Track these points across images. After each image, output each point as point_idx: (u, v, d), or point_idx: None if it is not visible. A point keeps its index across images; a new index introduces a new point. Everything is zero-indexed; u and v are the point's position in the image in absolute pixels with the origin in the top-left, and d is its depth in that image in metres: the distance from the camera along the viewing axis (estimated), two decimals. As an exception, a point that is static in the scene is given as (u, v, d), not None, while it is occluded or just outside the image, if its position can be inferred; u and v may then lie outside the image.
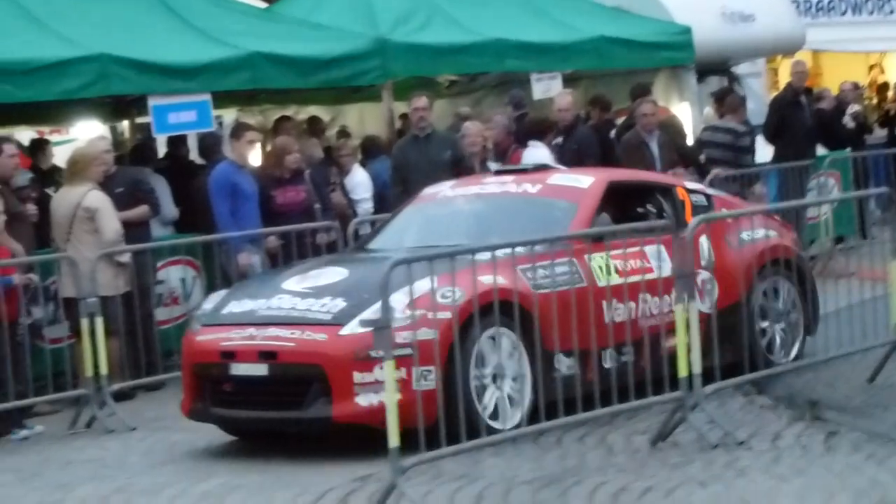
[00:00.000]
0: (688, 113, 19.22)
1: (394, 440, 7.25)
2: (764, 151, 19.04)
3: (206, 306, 10.33)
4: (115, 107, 16.75)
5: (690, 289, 8.99)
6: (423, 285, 8.15)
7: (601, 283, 9.61)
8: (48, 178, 15.25)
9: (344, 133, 18.74)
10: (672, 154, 15.50)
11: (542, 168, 11.61)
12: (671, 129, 16.83)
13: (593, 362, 9.34)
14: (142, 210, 13.29)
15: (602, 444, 9.09)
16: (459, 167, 13.96)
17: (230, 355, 9.19)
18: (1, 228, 10.90)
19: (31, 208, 12.73)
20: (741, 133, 17.44)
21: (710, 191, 11.41)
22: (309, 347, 8.79)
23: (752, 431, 9.01)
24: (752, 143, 18.01)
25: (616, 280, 9.61)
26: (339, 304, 9.06)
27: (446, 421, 7.80)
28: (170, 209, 14.70)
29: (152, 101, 13.95)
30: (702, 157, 17.46)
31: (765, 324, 10.56)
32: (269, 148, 16.08)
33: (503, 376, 8.95)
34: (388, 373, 7.46)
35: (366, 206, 15.56)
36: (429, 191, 11.61)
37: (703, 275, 10.09)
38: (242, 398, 9.31)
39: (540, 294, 9.06)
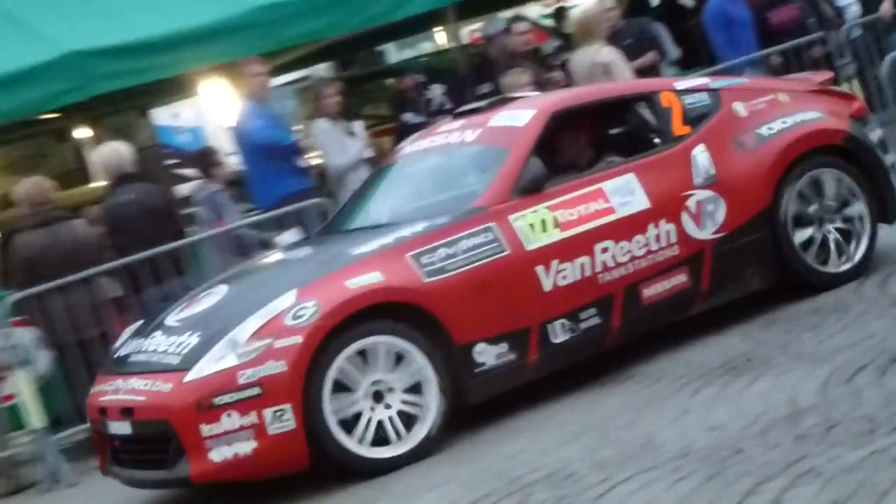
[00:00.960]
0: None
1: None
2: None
3: (115, 345, 8.99)
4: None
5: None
6: (281, 303, 7.37)
7: (531, 245, 7.96)
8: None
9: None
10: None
11: (499, 101, 9.41)
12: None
13: (537, 340, 7.90)
14: (650, 56, 13.73)
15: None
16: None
17: (104, 411, 8.11)
18: None
19: (558, 74, 13.67)
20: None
21: (718, 83, 9.26)
22: (156, 401, 7.58)
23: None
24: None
25: (555, 236, 8.02)
26: (192, 341, 7.75)
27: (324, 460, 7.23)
28: (673, 51, 15.11)
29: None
30: None
31: (807, 232, 8.54)
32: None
33: (392, 391, 7.42)
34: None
35: (854, 10, 15.27)
36: (398, 147, 10.17)
37: (699, 195, 8.37)
38: (124, 456, 8.18)
39: (436, 281, 7.72)
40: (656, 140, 8.61)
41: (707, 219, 8.29)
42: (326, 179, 11.99)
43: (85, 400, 8.90)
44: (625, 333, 8.18)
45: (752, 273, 8.44)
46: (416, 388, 7.40)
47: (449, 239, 7.75)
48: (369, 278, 7.49)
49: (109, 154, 10.30)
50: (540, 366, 7.89)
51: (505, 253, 7.79)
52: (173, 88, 13.75)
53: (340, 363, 7.15)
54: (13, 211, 11.30)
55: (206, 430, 7.05)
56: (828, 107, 8.98)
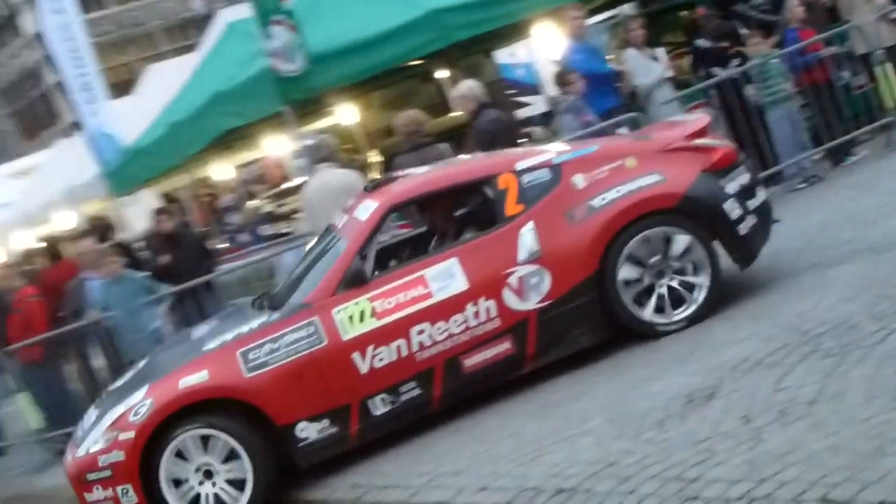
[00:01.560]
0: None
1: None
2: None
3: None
4: None
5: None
6: (133, 399, 7.30)
7: (347, 335, 7.44)
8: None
9: None
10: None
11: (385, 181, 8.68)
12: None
13: (357, 415, 7.47)
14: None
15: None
16: None
17: None
18: None
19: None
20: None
21: (562, 157, 7.99)
22: (67, 470, 7.66)
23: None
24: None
25: (371, 325, 7.45)
26: (92, 418, 7.77)
27: None
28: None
29: None
30: None
31: (641, 287, 7.52)
32: None
33: (218, 472, 7.19)
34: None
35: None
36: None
37: (521, 270, 7.56)
38: None
39: (256, 375, 7.37)
40: (491, 221, 7.76)
41: (531, 291, 7.49)
42: (636, 97, 12.15)
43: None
44: (449, 399, 7.56)
45: (580, 333, 7.59)
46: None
47: (275, 335, 7.41)
48: (196, 378, 7.31)
49: (466, 90, 10.61)
50: (363, 434, 7.50)
51: (323, 344, 7.36)
52: (511, 33, 13.91)
53: (172, 448, 7.03)
54: (393, 139, 11.83)
55: (88, 496, 7.17)
56: (675, 167, 7.75)
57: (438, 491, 6.05)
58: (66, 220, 18.67)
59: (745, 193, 7.72)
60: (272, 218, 14.03)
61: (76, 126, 18.29)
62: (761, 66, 11.63)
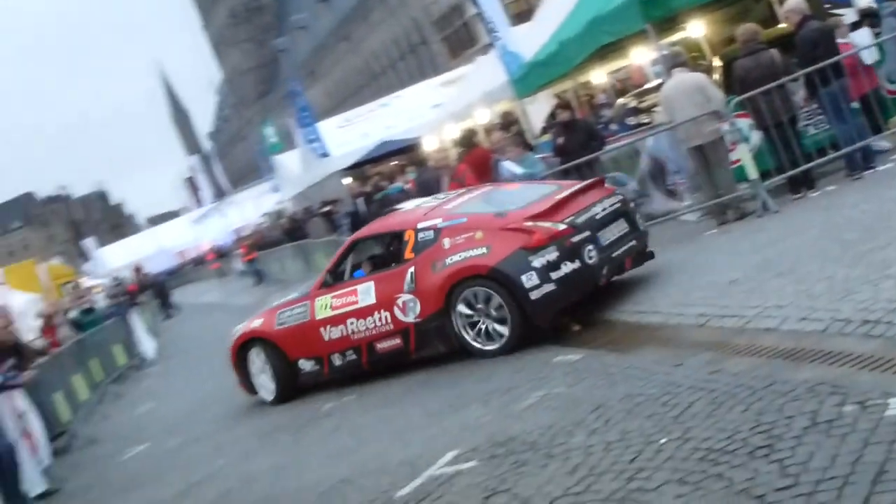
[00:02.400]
0: None
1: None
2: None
3: None
4: None
5: None
6: None
7: (319, 316, 9.53)
8: None
9: None
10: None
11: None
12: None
13: (330, 362, 9.56)
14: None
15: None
16: None
17: None
18: None
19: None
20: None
21: (445, 223, 8.79)
22: None
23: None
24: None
25: (329, 313, 9.44)
26: None
27: None
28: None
29: None
30: None
31: (474, 321, 8.37)
32: None
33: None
34: None
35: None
36: None
37: (405, 297, 8.81)
38: None
39: (281, 328, 9.90)
40: (396, 261, 9.07)
41: (409, 311, 8.76)
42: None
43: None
44: (372, 366, 9.26)
45: (439, 343, 8.68)
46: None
47: (291, 306, 9.88)
48: (254, 324, 10.21)
49: (793, 4, 10.09)
50: (331, 374, 9.62)
51: (308, 318, 9.60)
52: None
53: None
54: (732, 46, 11.62)
55: None
56: (501, 243, 8.23)
57: (767, 320, 6.03)
58: (482, 117, 19.53)
59: (550, 267, 7.99)
60: (636, 111, 14.16)
61: (490, 46, 18.97)
62: None
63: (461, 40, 59.56)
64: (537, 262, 8.03)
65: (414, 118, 26.73)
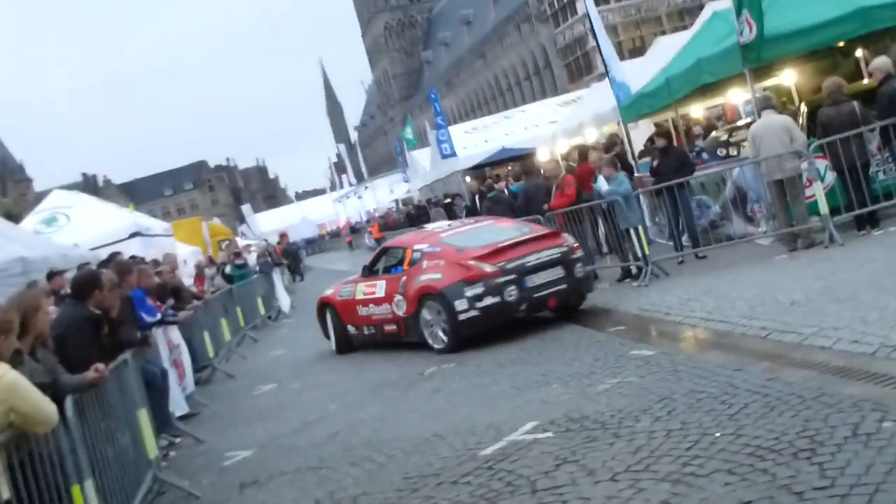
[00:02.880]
0: None
1: None
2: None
3: None
4: None
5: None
6: None
7: (356, 297, 10.89)
8: None
9: None
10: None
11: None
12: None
13: (363, 331, 10.91)
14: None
15: None
16: None
17: None
18: None
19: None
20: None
21: (428, 249, 10.01)
22: None
23: None
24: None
25: (360, 296, 10.80)
26: None
27: None
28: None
29: None
30: None
31: (428, 324, 9.66)
32: None
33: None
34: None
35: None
36: None
37: (397, 297, 10.06)
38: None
39: (339, 300, 11.32)
40: (400, 268, 10.29)
41: (400, 308, 10.03)
42: None
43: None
44: (384, 339, 10.55)
45: (415, 334, 9.83)
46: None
47: (347, 285, 11.37)
48: (329, 292, 11.81)
49: (881, 63, 9.70)
50: (364, 340, 11.06)
51: (353, 296, 10.97)
52: None
53: None
54: (818, 96, 11.20)
55: None
56: (451, 272, 9.37)
57: (823, 339, 5.89)
58: (591, 136, 19.35)
59: (476, 298, 9.14)
60: (727, 144, 13.82)
61: (604, 75, 18.77)
62: None
63: (580, 67, 59.01)
64: (469, 292, 9.14)
65: (531, 131, 26.65)
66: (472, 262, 9.26)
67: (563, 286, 9.39)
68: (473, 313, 9.08)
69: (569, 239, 9.94)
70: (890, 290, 6.54)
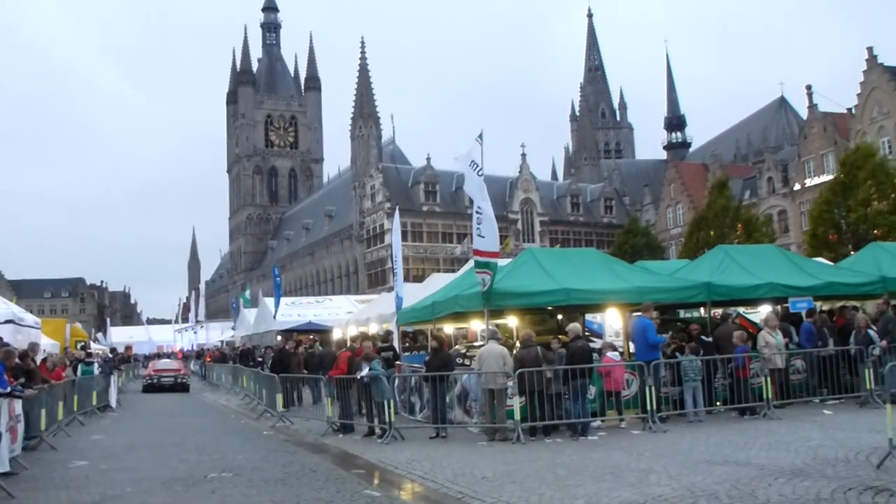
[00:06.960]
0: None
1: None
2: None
3: None
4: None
5: None
6: None
7: None
8: None
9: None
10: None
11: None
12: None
13: None
14: None
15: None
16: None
17: None
18: None
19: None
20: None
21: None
22: None
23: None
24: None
25: None
26: None
27: None
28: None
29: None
30: None
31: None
32: None
33: None
34: None
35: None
36: None
37: None
38: None
39: None
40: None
41: None
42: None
43: None
44: None
45: None
46: None
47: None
48: None
49: (572, 326, 10.45)
50: None
51: None
52: (590, 308, 13.21)
53: None
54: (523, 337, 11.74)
55: None
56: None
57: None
58: (373, 328, 19.35)
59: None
60: (464, 356, 14.23)
61: (392, 289, 19.19)
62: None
63: (377, 279, 60.19)
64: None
65: (333, 314, 26.44)
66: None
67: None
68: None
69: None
70: (549, 482, 6.67)
